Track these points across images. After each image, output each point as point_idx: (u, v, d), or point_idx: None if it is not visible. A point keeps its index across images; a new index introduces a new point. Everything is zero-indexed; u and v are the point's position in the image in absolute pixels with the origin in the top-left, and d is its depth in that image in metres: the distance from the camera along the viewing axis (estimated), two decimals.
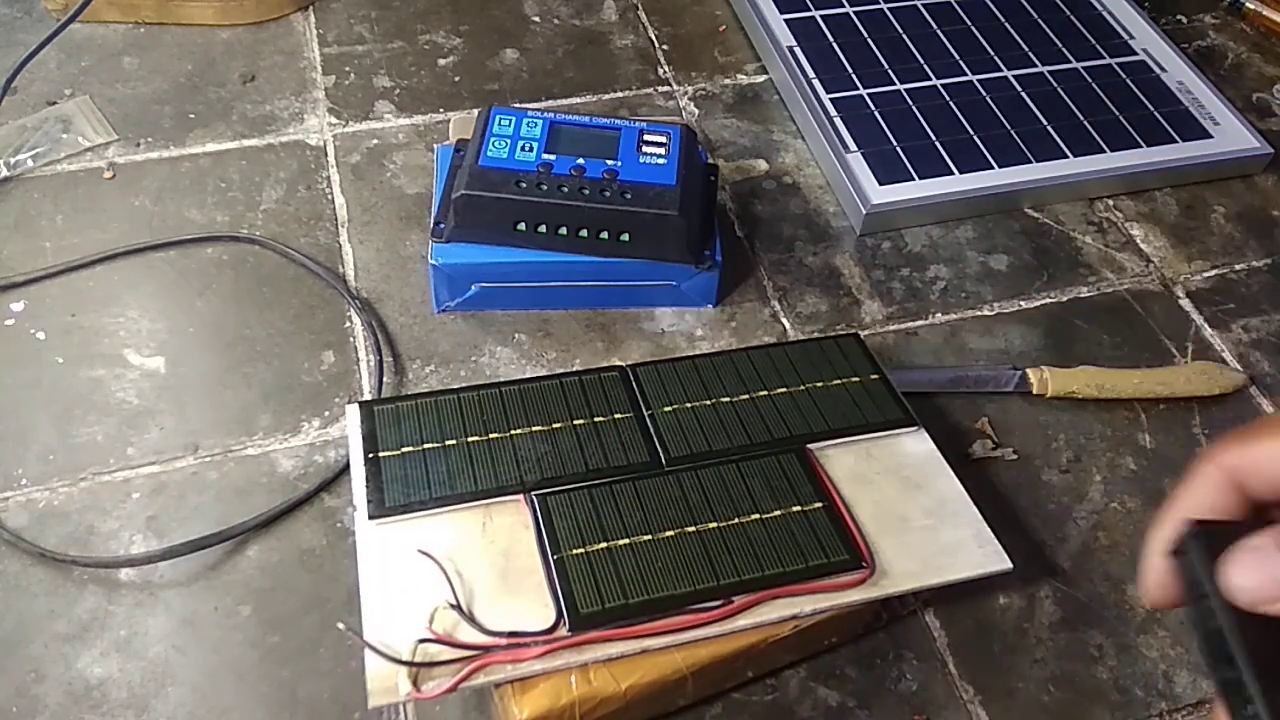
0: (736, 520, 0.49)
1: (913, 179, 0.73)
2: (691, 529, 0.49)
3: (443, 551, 0.47)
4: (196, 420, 0.59)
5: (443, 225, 0.63)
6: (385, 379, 0.61)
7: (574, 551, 0.47)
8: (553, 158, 0.62)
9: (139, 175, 0.72)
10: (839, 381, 0.57)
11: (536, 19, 0.87)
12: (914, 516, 0.51)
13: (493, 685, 0.45)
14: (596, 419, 0.54)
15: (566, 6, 0.88)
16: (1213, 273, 0.72)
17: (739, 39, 0.87)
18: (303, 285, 0.66)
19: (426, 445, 0.52)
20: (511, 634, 0.44)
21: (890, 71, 0.81)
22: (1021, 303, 0.69)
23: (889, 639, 0.53)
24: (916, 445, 0.55)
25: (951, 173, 0.73)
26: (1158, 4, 0.91)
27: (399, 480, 0.50)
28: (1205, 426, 0.63)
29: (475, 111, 0.71)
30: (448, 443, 0.52)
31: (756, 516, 0.50)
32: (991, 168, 0.74)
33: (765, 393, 0.56)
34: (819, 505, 0.50)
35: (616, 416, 0.54)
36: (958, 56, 0.82)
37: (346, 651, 0.51)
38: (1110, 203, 0.76)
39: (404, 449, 0.52)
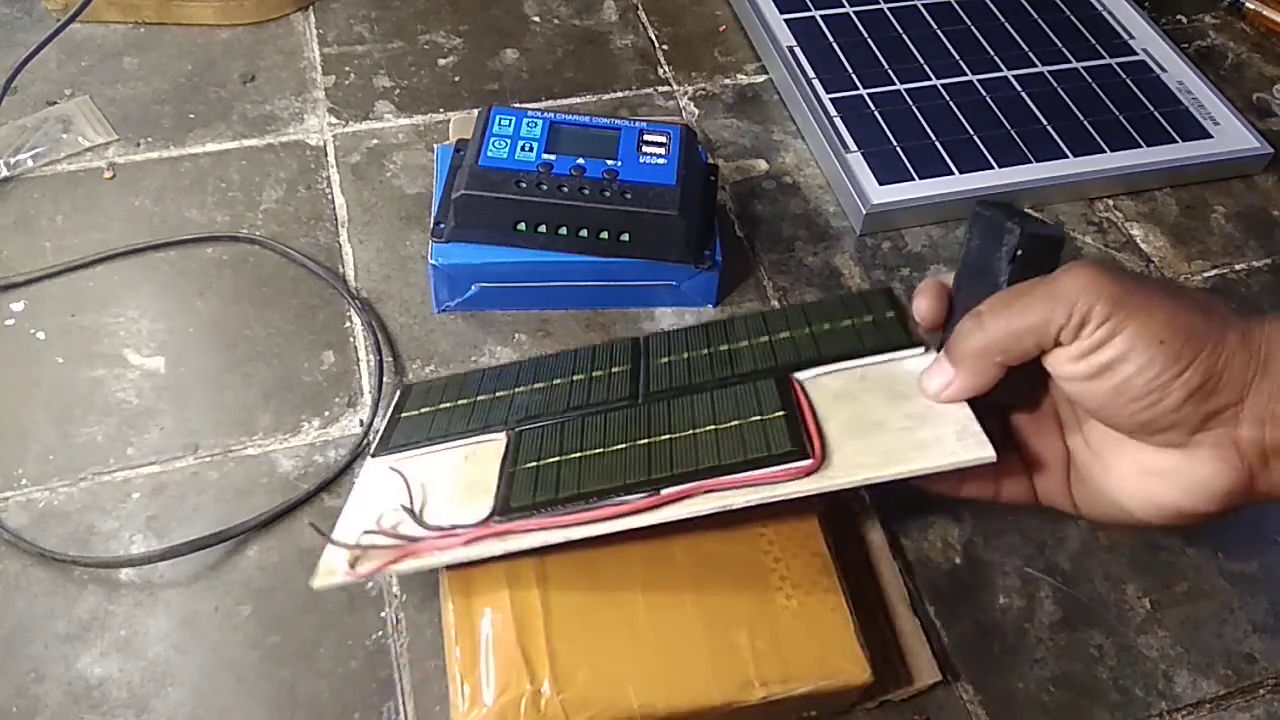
0: (690, 432, 0.47)
1: (913, 179, 0.73)
2: (643, 441, 0.47)
3: (419, 474, 0.50)
4: (196, 420, 0.59)
5: (443, 225, 0.63)
6: (385, 379, 0.61)
7: (526, 465, 0.48)
8: (553, 158, 0.62)
9: (139, 175, 0.72)
10: (848, 322, 0.52)
11: (536, 19, 0.87)
12: (892, 421, 0.45)
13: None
14: (594, 374, 0.54)
15: (566, 6, 0.88)
16: (1213, 273, 0.72)
17: (739, 39, 0.87)
18: (303, 285, 0.66)
19: (442, 405, 0.55)
20: (446, 528, 0.46)
21: (890, 71, 0.81)
22: None
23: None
24: (920, 365, 0.48)
25: (951, 173, 0.73)
26: (1158, 4, 0.91)
27: (409, 427, 0.54)
28: None
29: (475, 111, 0.71)
30: (460, 402, 0.55)
31: (712, 428, 0.47)
32: (991, 168, 0.74)
33: (766, 339, 0.53)
34: (780, 414, 0.46)
35: (614, 370, 0.54)
36: (958, 56, 0.82)
37: (346, 651, 0.51)
38: (1110, 203, 0.76)
39: (423, 409, 0.55)
